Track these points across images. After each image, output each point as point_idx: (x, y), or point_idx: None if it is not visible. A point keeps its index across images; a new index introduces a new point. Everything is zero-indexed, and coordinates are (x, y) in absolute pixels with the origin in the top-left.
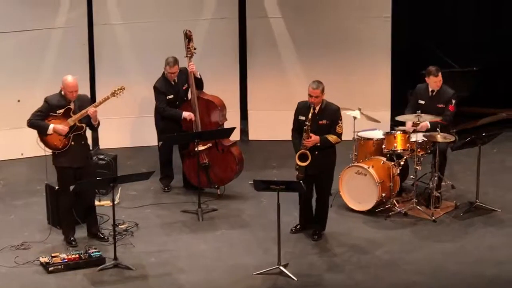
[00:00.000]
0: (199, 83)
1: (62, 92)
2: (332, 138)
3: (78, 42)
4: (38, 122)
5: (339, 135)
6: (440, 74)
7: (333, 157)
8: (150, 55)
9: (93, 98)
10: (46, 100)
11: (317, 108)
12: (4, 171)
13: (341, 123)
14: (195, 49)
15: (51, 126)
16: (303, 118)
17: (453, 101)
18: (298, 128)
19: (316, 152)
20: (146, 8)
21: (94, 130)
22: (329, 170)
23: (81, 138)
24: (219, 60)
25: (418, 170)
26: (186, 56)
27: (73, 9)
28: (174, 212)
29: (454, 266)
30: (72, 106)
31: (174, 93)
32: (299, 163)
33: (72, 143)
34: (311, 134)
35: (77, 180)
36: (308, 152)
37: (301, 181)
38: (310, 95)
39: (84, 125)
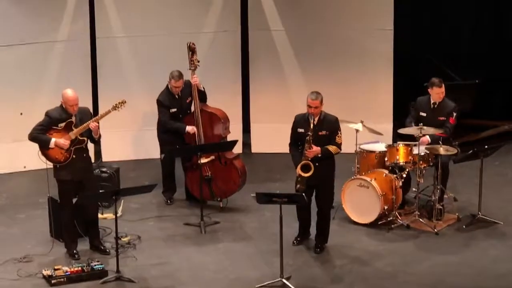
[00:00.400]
0: (203, 96)
1: (63, 106)
2: (332, 148)
3: (81, 55)
4: (39, 136)
5: (339, 146)
6: (443, 85)
7: (333, 167)
8: (153, 68)
9: (95, 111)
10: (47, 114)
11: (316, 119)
12: (7, 184)
13: (340, 134)
14: (198, 61)
15: (53, 140)
16: (302, 130)
17: (454, 114)
18: (296, 141)
19: (317, 163)
20: (149, 21)
21: (96, 143)
22: (329, 181)
23: (83, 151)
24: (221, 73)
25: (421, 182)
26: (190, 69)
27: (76, 22)
28: (176, 224)
29: (456, 278)
30: (73, 119)
31: (178, 107)
32: (302, 174)
33: (74, 156)
34: (312, 145)
35: (78, 193)
36: (310, 162)
37: (303, 194)
38: (309, 106)
39: (85, 138)
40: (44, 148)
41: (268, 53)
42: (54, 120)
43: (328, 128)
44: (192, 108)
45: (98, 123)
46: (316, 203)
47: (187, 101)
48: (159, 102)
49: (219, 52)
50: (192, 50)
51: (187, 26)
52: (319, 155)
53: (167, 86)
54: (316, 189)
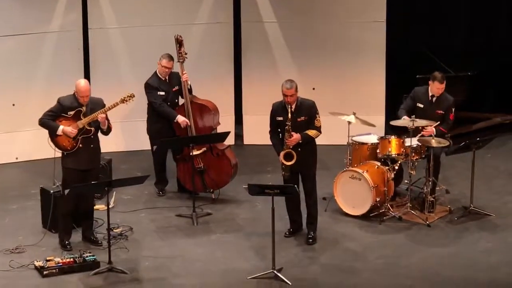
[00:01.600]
0: (188, 92)
1: (75, 95)
2: (312, 132)
3: (73, 46)
4: (49, 122)
5: (319, 129)
6: (444, 82)
7: (315, 151)
8: (145, 59)
9: None
10: (59, 101)
11: (293, 106)
12: None
13: (319, 117)
14: (186, 54)
15: (61, 128)
16: (280, 118)
17: (453, 110)
18: (276, 129)
19: (299, 149)
20: (141, 12)
21: (105, 134)
22: (313, 164)
23: (90, 142)
24: (214, 64)
25: (413, 174)
26: (178, 61)
27: (68, 13)
28: (168, 216)
29: (448, 270)
30: (83, 109)
31: (165, 91)
32: (285, 162)
33: (80, 145)
34: (292, 133)
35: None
36: (292, 151)
37: (295, 185)
38: (285, 95)
39: (93, 128)
40: (52, 134)
41: (260, 45)
42: (65, 107)
43: (306, 114)
44: (182, 101)
45: (106, 114)
46: (303, 189)
47: (174, 89)
48: (147, 85)
49: (211, 44)
50: (179, 42)
51: (180, 17)
52: (300, 141)
53: (155, 72)
54: (301, 174)
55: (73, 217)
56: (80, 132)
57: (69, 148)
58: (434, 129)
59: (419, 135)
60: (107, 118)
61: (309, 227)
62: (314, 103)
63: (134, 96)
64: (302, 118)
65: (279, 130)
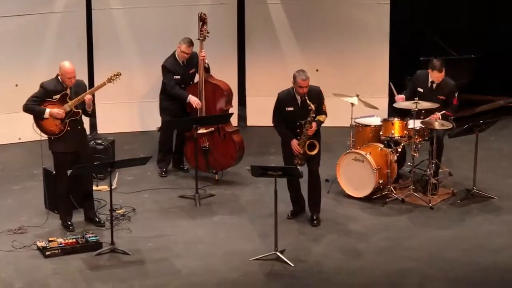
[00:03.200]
0: (206, 71)
1: (59, 78)
2: (322, 118)
3: (77, 27)
4: (34, 106)
5: (326, 113)
6: (443, 70)
7: (319, 134)
8: (149, 40)
9: (91, 83)
10: (42, 86)
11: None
12: (2, 155)
13: (325, 101)
14: (208, 32)
15: (47, 110)
16: (291, 108)
17: (456, 94)
18: (284, 119)
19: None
20: None
21: (89, 116)
22: (319, 147)
23: (77, 123)
24: (217, 46)
25: (416, 157)
26: (199, 39)
27: None
28: (171, 197)
29: (450, 253)
30: (68, 91)
31: (181, 74)
32: (310, 153)
33: (68, 128)
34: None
35: (73, 165)
36: (315, 140)
37: (297, 167)
38: (300, 86)
39: (80, 110)
40: (39, 118)
41: (264, 26)
42: (49, 92)
43: (316, 101)
44: (196, 79)
45: (93, 95)
46: (309, 171)
47: (190, 71)
48: (164, 67)
49: (215, 25)
50: (203, 20)
51: None
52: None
53: (174, 53)
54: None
55: (75, 198)
56: (67, 115)
57: (57, 132)
58: (440, 115)
59: (426, 119)
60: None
61: (313, 209)
62: (320, 90)
63: (120, 74)
64: (313, 105)
65: (287, 120)
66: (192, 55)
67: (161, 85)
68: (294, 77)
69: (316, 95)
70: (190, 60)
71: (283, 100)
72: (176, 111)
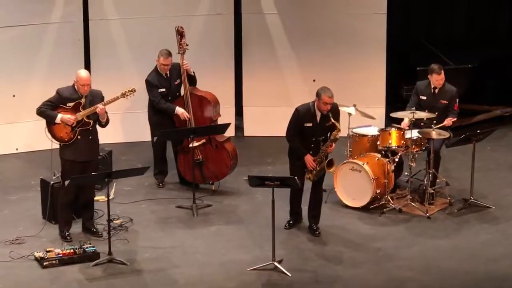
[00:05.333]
0: (192, 80)
1: (75, 86)
2: (336, 135)
3: (74, 37)
4: (46, 110)
5: (339, 129)
6: (442, 72)
7: None
8: (145, 50)
9: None
10: (58, 92)
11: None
12: None
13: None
14: (187, 45)
15: (59, 116)
16: (309, 124)
17: (457, 100)
18: (299, 133)
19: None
20: (142, 3)
21: (103, 127)
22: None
23: (89, 133)
24: (214, 56)
25: (413, 166)
26: (179, 53)
27: (69, 4)
28: (168, 207)
29: (447, 262)
30: (82, 101)
31: (166, 87)
32: (329, 170)
33: (79, 137)
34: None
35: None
36: (333, 159)
37: (295, 177)
38: (326, 103)
39: (91, 121)
40: (50, 123)
41: (261, 36)
42: (64, 98)
43: (335, 118)
44: (182, 92)
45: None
46: (313, 182)
47: (176, 83)
48: (147, 82)
49: (212, 35)
50: (180, 34)
51: (180, 8)
52: None
53: (155, 67)
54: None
55: (73, 208)
56: (78, 124)
57: (66, 139)
58: (452, 121)
59: (440, 125)
60: (105, 111)
61: (313, 220)
62: (338, 106)
63: (135, 91)
64: (330, 122)
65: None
66: (174, 65)
67: (148, 100)
68: (319, 94)
69: (336, 112)
70: (172, 71)
71: (303, 116)
72: (166, 125)
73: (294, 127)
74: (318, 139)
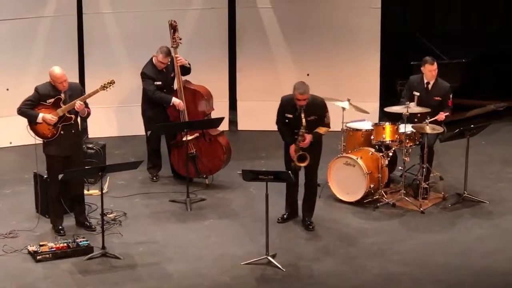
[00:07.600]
0: (186, 71)
1: (52, 83)
2: (322, 130)
3: (68, 31)
4: (27, 110)
5: (328, 125)
6: (435, 63)
7: (321, 144)
8: (139, 44)
9: (82, 87)
10: (36, 89)
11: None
12: None
13: (328, 114)
14: (180, 39)
15: (40, 115)
16: (290, 115)
17: (451, 96)
18: (284, 122)
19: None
20: None
21: (84, 119)
22: (318, 154)
23: (71, 127)
24: (208, 50)
25: (407, 161)
26: (172, 47)
27: None
28: (162, 201)
29: (441, 257)
30: (62, 96)
31: (162, 80)
32: (299, 164)
33: (62, 132)
34: (305, 135)
35: (66, 169)
36: (306, 153)
37: (289, 171)
38: (298, 99)
39: (73, 116)
40: (32, 123)
41: (255, 30)
42: (43, 96)
43: (317, 113)
44: (175, 86)
45: (85, 102)
46: (306, 177)
47: (171, 75)
48: (143, 74)
49: (206, 29)
50: (173, 28)
51: (174, 2)
52: (311, 141)
53: (151, 60)
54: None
55: (66, 202)
56: (60, 119)
57: (49, 136)
58: (445, 115)
59: (432, 119)
60: (86, 105)
61: (307, 214)
62: (324, 103)
63: (114, 82)
64: (312, 117)
65: (287, 121)
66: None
67: (142, 93)
68: (293, 89)
69: (318, 107)
70: (168, 65)
71: (285, 106)
72: (160, 119)
73: (279, 116)
74: (296, 132)
